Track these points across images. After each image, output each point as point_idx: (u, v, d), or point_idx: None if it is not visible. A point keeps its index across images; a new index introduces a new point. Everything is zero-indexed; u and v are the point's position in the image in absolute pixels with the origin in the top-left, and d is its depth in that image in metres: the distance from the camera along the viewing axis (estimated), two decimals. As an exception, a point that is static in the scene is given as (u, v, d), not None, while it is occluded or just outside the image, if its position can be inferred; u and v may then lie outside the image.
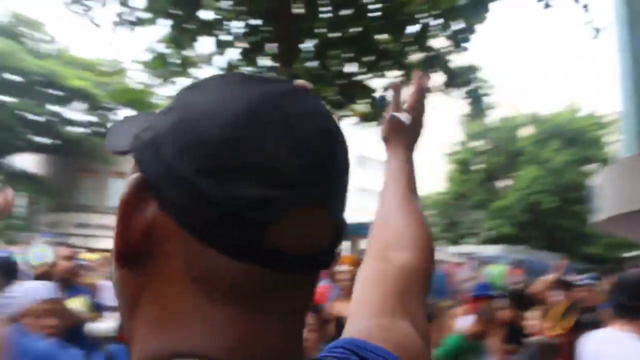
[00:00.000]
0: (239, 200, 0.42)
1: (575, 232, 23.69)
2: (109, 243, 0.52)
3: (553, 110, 27.98)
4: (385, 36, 9.42)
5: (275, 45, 9.15)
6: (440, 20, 9.30)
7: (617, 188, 8.11)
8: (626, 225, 8.70)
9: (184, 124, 0.45)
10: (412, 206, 0.94)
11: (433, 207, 28.99)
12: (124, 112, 16.81)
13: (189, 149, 0.44)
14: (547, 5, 9.22)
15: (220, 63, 9.81)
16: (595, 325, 2.84)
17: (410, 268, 0.82)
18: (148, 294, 0.47)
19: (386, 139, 1.04)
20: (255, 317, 0.46)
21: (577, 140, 25.67)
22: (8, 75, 21.32)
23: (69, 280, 4.38)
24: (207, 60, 9.77)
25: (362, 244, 10.00)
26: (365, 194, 24.05)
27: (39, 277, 4.46)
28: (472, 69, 9.98)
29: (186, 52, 9.61)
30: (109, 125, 17.94)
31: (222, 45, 9.53)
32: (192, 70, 9.77)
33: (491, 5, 9.07)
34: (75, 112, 23.05)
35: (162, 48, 9.59)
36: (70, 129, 22.81)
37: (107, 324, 4.50)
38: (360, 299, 0.78)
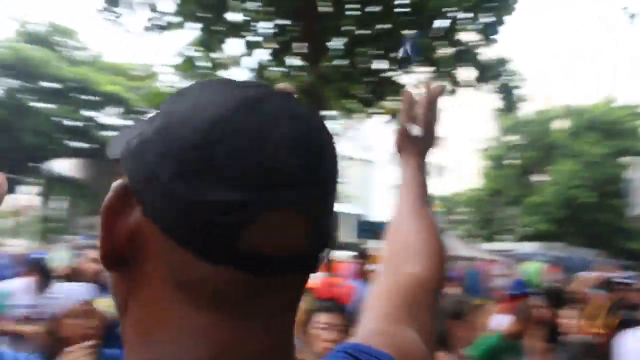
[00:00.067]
0: (212, 203, 0.43)
1: (614, 226, 23.11)
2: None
3: (588, 102, 27.38)
4: (413, 32, 9.34)
5: (304, 44, 9.17)
6: (469, 14, 9.19)
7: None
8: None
9: (165, 130, 0.46)
10: (424, 216, 0.94)
11: (467, 204, 28.65)
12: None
13: (168, 155, 0.44)
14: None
15: (249, 64, 9.89)
16: (637, 323, 2.76)
17: (419, 280, 0.82)
18: (134, 299, 0.48)
19: (399, 149, 1.04)
20: (239, 321, 0.46)
21: (613, 131, 25.04)
22: (45, 83, 21.91)
23: (99, 281, 4.48)
24: (237, 61, 9.85)
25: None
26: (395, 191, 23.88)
27: (60, 278, 4.59)
28: (502, 62, 9.84)
29: (215, 55, 9.71)
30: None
31: (250, 47, 9.60)
32: (221, 72, 9.86)
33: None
34: (109, 116, 23.55)
35: (191, 51, 9.71)
36: (105, 133, 23.32)
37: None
38: (370, 308, 0.79)
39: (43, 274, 4.33)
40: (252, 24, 9.51)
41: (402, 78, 9.66)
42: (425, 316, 0.78)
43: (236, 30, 9.44)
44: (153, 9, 9.73)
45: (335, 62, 9.27)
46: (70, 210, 22.89)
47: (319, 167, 0.47)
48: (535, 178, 27.48)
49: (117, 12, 9.97)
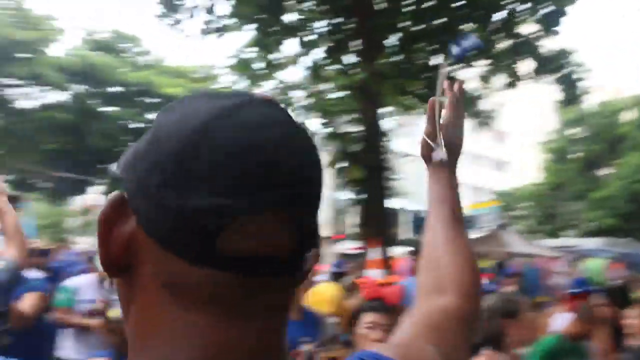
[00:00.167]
0: (192, 209, 0.45)
1: (686, 221, 21.93)
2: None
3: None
4: (470, 25, 9.18)
5: (359, 41, 9.16)
6: (528, 5, 8.94)
7: None
8: None
9: (154, 142, 0.49)
10: (458, 238, 0.92)
11: (529, 198, 27.84)
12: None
13: (155, 165, 0.48)
14: None
15: (306, 63, 9.95)
16: None
17: (450, 310, 0.83)
18: (133, 304, 0.51)
19: (426, 159, 1.02)
20: (232, 322, 0.48)
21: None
22: (110, 88, 22.81)
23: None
24: (294, 61, 9.94)
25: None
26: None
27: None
28: (564, 54, 9.51)
29: (272, 55, 9.82)
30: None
31: (306, 46, 9.66)
32: (278, 73, 9.98)
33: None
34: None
35: (247, 53, 9.86)
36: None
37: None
38: (398, 330, 0.81)
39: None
40: (307, 23, 9.57)
41: (460, 73, 9.51)
42: (454, 341, 0.79)
43: (292, 31, 9.53)
44: (210, 12, 9.95)
45: (392, 59, 9.20)
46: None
47: (298, 169, 0.49)
48: (600, 172, 26.41)
49: (176, 17, 10.27)
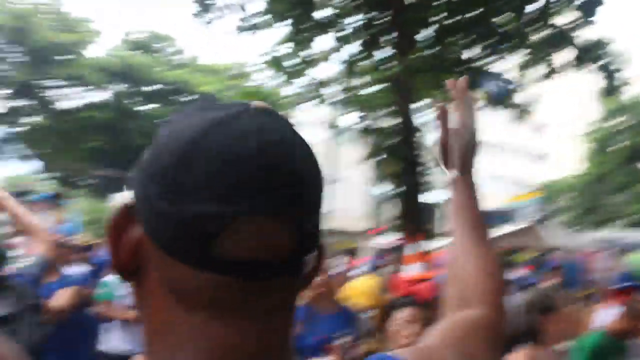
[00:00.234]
0: (192, 216, 0.48)
1: None
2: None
3: None
4: (505, 17, 9.01)
5: (393, 36, 9.10)
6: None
7: None
8: None
9: (154, 154, 0.52)
10: (478, 248, 0.93)
11: (570, 190, 27.22)
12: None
13: (154, 175, 0.50)
14: None
15: (339, 58, 9.94)
16: None
17: (474, 320, 0.84)
18: (144, 307, 0.54)
19: (443, 163, 1.03)
20: (236, 324, 0.50)
21: None
22: (147, 87, 23.22)
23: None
24: (327, 56, 9.94)
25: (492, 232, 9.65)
26: (494, 181, 23.16)
27: None
28: (601, 44, 9.24)
29: (305, 51, 9.84)
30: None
31: (340, 41, 9.65)
32: (312, 69, 9.99)
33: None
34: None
35: (280, 50, 9.90)
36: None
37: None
38: (424, 338, 0.81)
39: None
40: (339, 19, 9.54)
41: (495, 66, 9.36)
42: (478, 351, 0.79)
43: (325, 27, 9.53)
44: (243, 10, 10.02)
45: (425, 52, 9.11)
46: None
47: (297, 172, 0.50)
48: (645, 163, 25.61)
49: (209, 16, 10.37)
